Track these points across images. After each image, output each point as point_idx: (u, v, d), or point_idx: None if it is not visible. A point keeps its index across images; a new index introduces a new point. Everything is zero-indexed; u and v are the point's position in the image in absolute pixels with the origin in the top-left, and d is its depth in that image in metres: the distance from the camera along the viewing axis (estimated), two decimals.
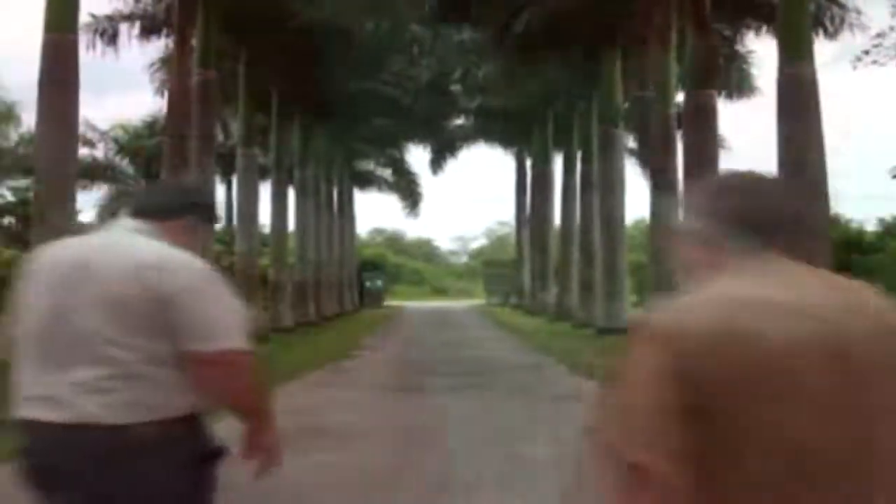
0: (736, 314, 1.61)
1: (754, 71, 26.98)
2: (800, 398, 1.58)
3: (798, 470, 1.57)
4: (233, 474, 3.05)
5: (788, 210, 1.85)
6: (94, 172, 40.99)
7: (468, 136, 41.59)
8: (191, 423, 2.80)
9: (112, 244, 2.91)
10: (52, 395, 2.71)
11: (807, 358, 1.59)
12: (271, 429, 3.03)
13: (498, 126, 38.74)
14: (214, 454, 2.87)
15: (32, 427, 2.77)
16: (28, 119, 32.26)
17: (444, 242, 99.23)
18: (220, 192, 33.69)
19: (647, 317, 1.72)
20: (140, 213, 3.01)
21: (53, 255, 2.97)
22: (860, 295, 1.75)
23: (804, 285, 1.72)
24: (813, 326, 1.62)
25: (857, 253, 23.84)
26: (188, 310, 2.71)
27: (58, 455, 2.73)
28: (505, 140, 42.02)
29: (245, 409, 2.97)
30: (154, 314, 2.69)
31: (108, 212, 45.03)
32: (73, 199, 12.80)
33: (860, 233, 26.78)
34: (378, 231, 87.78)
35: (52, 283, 2.80)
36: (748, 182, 1.94)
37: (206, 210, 3.28)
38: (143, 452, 2.67)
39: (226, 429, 2.99)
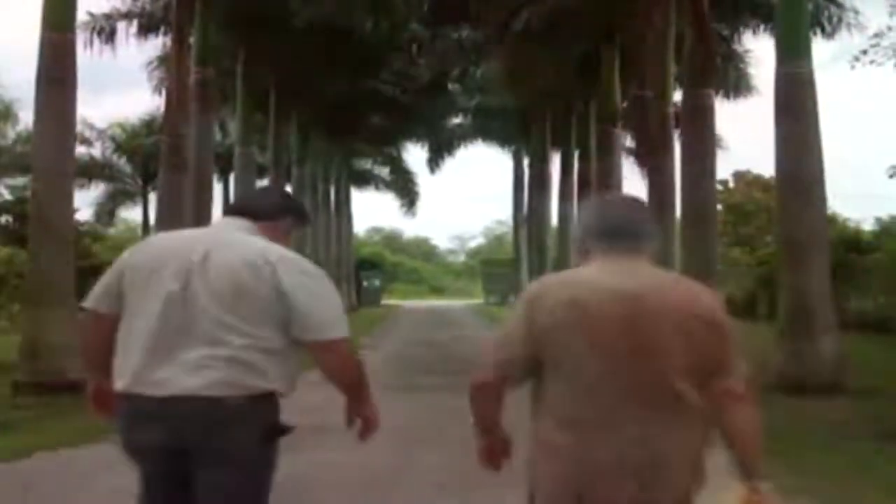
0: (575, 290, 2.75)
1: (752, 70, 27.03)
2: (600, 341, 2.66)
3: (593, 383, 2.69)
4: None
5: (628, 224, 2.88)
6: (91, 171, 40.95)
7: (466, 135, 41.57)
8: (271, 400, 3.23)
9: (228, 239, 3.31)
10: (163, 371, 3.12)
11: (609, 319, 2.66)
12: (369, 400, 3.55)
13: (496, 125, 38.75)
14: (285, 429, 3.31)
15: (140, 400, 3.17)
16: (26, 117, 32.21)
17: (442, 241, 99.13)
18: (217, 190, 33.63)
19: (530, 285, 2.94)
20: (243, 213, 3.46)
21: (169, 244, 3.42)
22: (662, 282, 2.83)
23: (625, 273, 2.76)
24: (619, 300, 2.69)
25: (854, 252, 23.84)
26: (303, 305, 3.17)
27: (162, 424, 3.14)
28: (503, 139, 42.02)
29: (349, 384, 3.47)
30: (269, 306, 3.15)
31: (105, 210, 45.08)
32: (70, 198, 12.78)
33: (857, 232, 26.82)
34: (376, 230, 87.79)
35: (175, 271, 3.19)
36: (604, 203, 3.23)
37: (300, 213, 3.69)
38: (235, 421, 3.12)
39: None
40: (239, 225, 3.39)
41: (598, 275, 2.77)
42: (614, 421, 2.68)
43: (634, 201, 3.17)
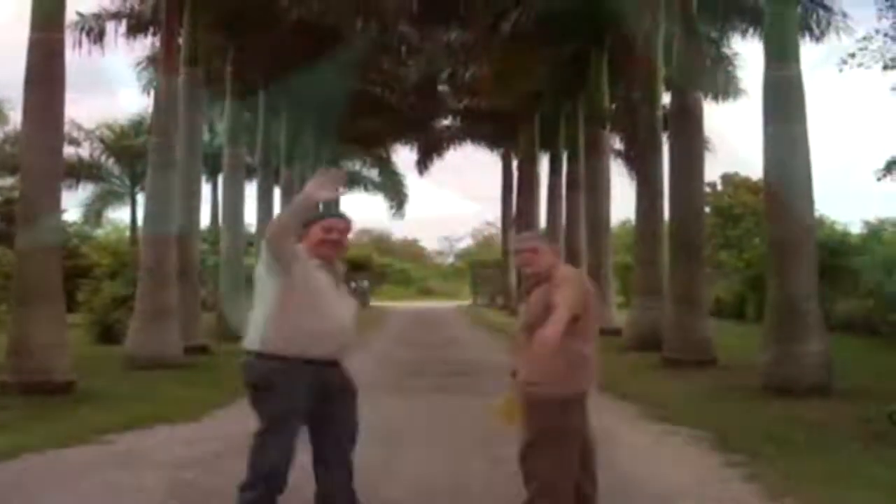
0: (582, 275, 5.61)
1: (740, 73, 27.12)
2: (594, 305, 5.27)
3: (587, 329, 5.16)
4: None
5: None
6: (79, 172, 40.86)
7: (455, 137, 41.56)
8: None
9: None
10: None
11: (592, 293, 5.28)
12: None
13: (485, 127, 38.75)
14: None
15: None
16: (16, 117, 32.08)
17: (431, 243, 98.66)
18: (205, 191, 33.57)
19: (576, 271, 5.65)
20: None
21: None
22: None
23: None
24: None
25: (841, 255, 23.89)
26: None
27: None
28: (491, 141, 42.01)
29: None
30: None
31: (93, 211, 44.96)
32: (58, 199, 12.73)
33: (845, 235, 26.87)
34: (364, 231, 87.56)
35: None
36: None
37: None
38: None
39: None
40: None
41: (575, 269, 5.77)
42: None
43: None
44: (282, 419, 5.11)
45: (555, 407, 5.04)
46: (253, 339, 5.16)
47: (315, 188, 4.95)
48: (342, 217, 5.61)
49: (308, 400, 5.14)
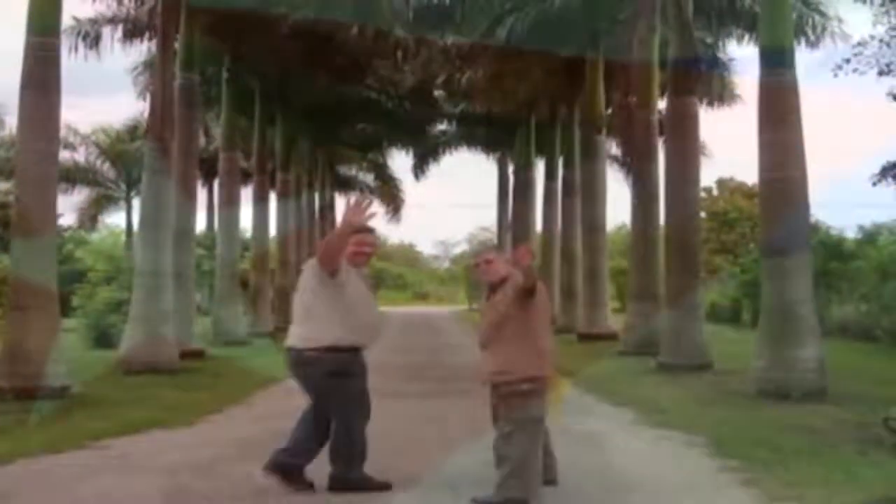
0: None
1: (735, 78, 27.16)
2: (544, 301, 6.31)
3: (542, 323, 6.28)
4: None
5: None
6: (75, 176, 40.82)
7: (451, 142, 41.52)
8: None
9: None
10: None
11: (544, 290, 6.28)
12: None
13: (481, 131, 38.73)
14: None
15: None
16: (12, 122, 32.01)
17: (427, 247, 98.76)
18: (201, 196, 33.52)
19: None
20: None
21: None
22: None
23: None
24: None
25: (836, 260, 23.95)
26: None
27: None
28: (488, 145, 41.97)
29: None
30: None
31: (88, 215, 44.88)
32: (53, 203, 12.71)
33: (840, 240, 26.90)
34: None
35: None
36: None
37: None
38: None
39: None
40: None
41: None
42: None
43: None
44: (360, 396, 6.69)
45: (531, 395, 6.09)
46: (319, 338, 6.49)
47: (352, 214, 6.30)
48: (372, 232, 7.00)
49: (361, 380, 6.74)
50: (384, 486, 6.59)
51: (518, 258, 6.04)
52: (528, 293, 6.04)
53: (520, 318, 6.11)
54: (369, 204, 6.52)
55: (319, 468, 6.60)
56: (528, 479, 6.01)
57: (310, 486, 6.56)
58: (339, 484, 6.52)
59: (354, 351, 6.61)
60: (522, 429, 6.02)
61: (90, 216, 45.24)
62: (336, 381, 6.50)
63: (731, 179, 54.78)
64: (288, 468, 6.55)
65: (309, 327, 6.55)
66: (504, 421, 6.11)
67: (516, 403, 6.05)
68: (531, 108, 31.89)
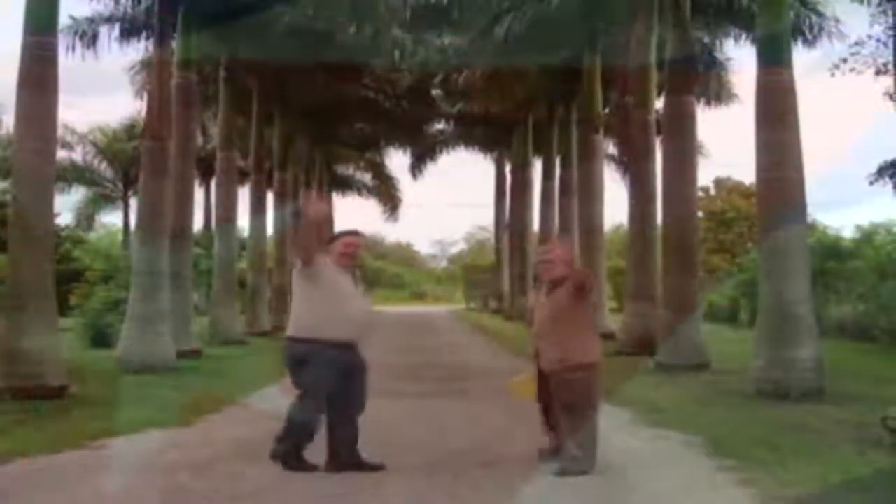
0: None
1: (733, 77, 27.16)
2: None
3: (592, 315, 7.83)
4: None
5: None
6: (72, 175, 40.74)
7: (448, 141, 41.54)
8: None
9: None
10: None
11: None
12: None
13: (478, 131, 38.77)
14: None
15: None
16: (9, 121, 31.96)
17: (424, 247, 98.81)
18: (198, 195, 33.49)
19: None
20: None
21: None
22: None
23: None
24: None
25: (834, 260, 23.97)
26: None
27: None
28: (485, 145, 42.02)
29: None
30: None
31: (86, 215, 44.82)
32: (51, 203, 12.69)
33: (837, 239, 26.92)
34: None
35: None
36: None
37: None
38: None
39: None
40: None
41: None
42: None
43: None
44: (315, 387, 6.95)
45: (589, 374, 7.16)
46: (292, 328, 7.13)
47: (305, 207, 6.90)
48: (357, 234, 7.55)
49: (333, 373, 6.99)
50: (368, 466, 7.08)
51: (582, 279, 7.38)
52: (585, 294, 7.29)
53: (575, 311, 7.21)
54: (320, 196, 7.23)
55: (318, 465, 6.58)
56: (593, 455, 7.08)
57: (313, 469, 7.02)
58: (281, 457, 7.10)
59: (314, 343, 6.98)
60: (582, 412, 7.04)
61: (87, 215, 45.17)
62: (294, 369, 7.14)
63: (729, 179, 54.84)
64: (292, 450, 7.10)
65: (290, 317, 7.27)
66: (563, 406, 7.09)
67: (578, 388, 7.07)
68: (529, 108, 31.90)
